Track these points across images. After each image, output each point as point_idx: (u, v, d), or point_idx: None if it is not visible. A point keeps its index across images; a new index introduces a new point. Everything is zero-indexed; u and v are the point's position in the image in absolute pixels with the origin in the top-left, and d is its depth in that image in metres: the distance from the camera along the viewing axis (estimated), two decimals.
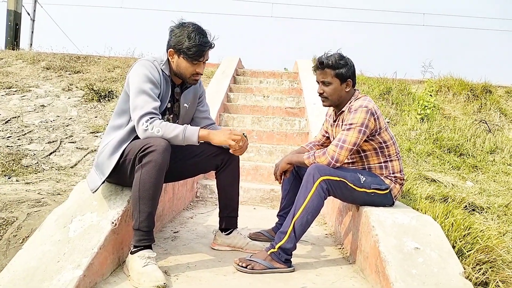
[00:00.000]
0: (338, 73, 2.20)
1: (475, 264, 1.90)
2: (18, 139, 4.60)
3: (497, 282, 1.81)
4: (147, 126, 1.88)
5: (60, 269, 1.63)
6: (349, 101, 2.26)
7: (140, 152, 1.84)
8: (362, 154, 2.26)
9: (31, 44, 12.07)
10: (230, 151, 2.07)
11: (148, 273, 1.75)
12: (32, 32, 12.44)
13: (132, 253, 1.85)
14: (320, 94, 2.27)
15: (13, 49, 9.14)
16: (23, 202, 2.62)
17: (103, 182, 1.97)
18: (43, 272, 1.62)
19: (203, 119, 2.34)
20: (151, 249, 1.87)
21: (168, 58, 2.09)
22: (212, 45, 2.06)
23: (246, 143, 2.05)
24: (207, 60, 2.09)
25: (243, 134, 2.03)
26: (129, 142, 1.97)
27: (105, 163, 1.96)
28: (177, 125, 1.93)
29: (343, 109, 2.26)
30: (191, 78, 2.09)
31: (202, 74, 2.12)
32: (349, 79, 2.22)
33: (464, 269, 1.75)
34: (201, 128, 2.01)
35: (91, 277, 1.68)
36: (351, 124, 2.12)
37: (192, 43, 1.99)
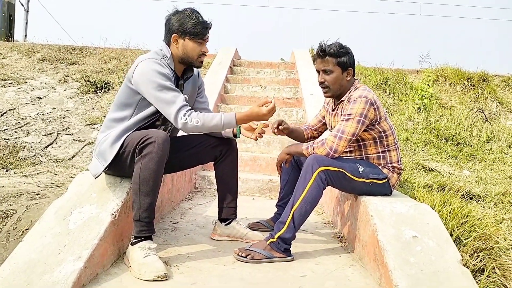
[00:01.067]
0: (340, 62, 2.19)
1: (472, 251, 1.93)
2: (15, 132, 4.58)
3: (494, 268, 1.84)
4: (186, 119, 1.91)
5: (61, 261, 1.63)
6: (349, 91, 2.25)
7: (139, 144, 1.85)
8: (361, 143, 2.26)
9: (25, 36, 11.96)
10: (254, 135, 2.17)
11: (148, 263, 1.76)
12: (27, 23, 12.32)
13: (132, 244, 1.86)
14: (321, 83, 2.25)
15: (8, 41, 9.05)
16: (21, 195, 2.62)
17: (106, 168, 1.97)
18: (44, 264, 1.62)
19: (202, 109, 2.34)
20: (152, 240, 1.88)
21: (170, 51, 2.08)
22: (211, 24, 2.11)
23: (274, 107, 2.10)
24: (208, 41, 2.13)
25: (271, 99, 2.08)
26: (131, 132, 1.97)
27: (107, 151, 1.96)
28: (214, 114, 1.97)
29: (342, 99, 2.26)
30: (198, 59, 2.11)
31: (206, 54, 2.15)
32: (350, 68, 2.21)
33: (462, 256, 1.77)
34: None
35: (92, 268, 1.69)
36: (350, 114, 2.12)
37: (196, 21, 2.03)
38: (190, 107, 1.97)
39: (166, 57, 2.06)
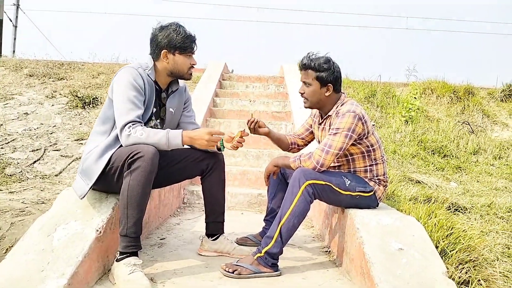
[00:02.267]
0: (319, 76, 2.22)
1: (458, 263, 1.93)
2: (1, 148, 4.53)
3: (480, 280, 1.85)
4: (130, 131, 1.89)
5: (44, 278, 1.61)
6: (336, 105, 2.27)
7: (129, 159, 1.84)
8: (349, 158, 2.28)
9: (13, 51, 11.92)
10: (233, 143, 2.16)
11: (134, 280, 1.74)
12: (15, 38, 12.29)
13: (117, 260, 1.84)
14: (301, 94, 2.30)
15: None
16: (6, 212, 2.58)
17: (91, 188, 1.96)
18: (27, 281, 1.60)
19: (188, 124, 2.35)
20: (137, 256, 1.87)
21: (154, 64, 2.10)
22: (196, 36, 2.15)
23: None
24: (195, 53, 2.17)
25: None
26: (115, 148, 1.97)
27: (91, 168, 1.95)
28: (159, 130, 1.95)
29: (329, 114, 2.28)
30: (188, 72, 2.15)
31: (195, 66, 2.18)
32: (330, 84, 2.23)
33: (447, 268, 1.78)
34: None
35: (76, 285, 1.67)
36: (338, 128, 2.14)
37: (183, 36, 2.07)
38: (141, 123, 1.95)
39: (148, 67, 2.09)
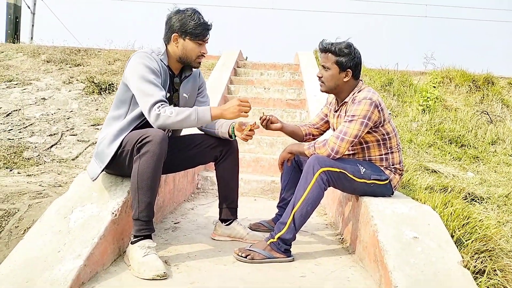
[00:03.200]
0: (338, 61, 2.18)
1: (473, 253, 1.91)
2: (20, 132, 4.61)
3: (495, 270, 1.82)
4: (159, 111, 1.90)
5: (61, 259, 1.64)
6: (352, 92, 2.24)
7: (137, 143, 1.85)
8: (364, 146, 2.25)
9: (31, 38, 12.04)
10: (243, 135, 2.15)
11: (148, 262, 1.76)
12: (33, 25, 12.40)
13: (132, 243, 1.86)
14: (319, 78, 2.27)
15: (14, 43, 9.12)
16: (24, 194, 2.63)
17: (103, 171, 1.99)
18: (44, 262, 1.63)
19: None
20: (151, 239, 1.89)
21: (166, 48, 2.10)
22: (212, 25, 2.12)
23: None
24: (208, 42, 2.13)
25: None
26: (128, 132, 1.98)
27: (104, 152, 1.98)
28: (187, 108, 1.96)
29: (346, 100, 2.25)
30: (196, 60, 2.13)
31: (205, 56, 2.16)
32: (349, 70, 2.20)
33: (463, 258, 1.76)
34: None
35: (92, 266, 1.70)
36: (353, 115, 2.11)
37: (197, 23, 2.04)
38: (167, 103, 1.96)
39: (160, 53, 2.08)
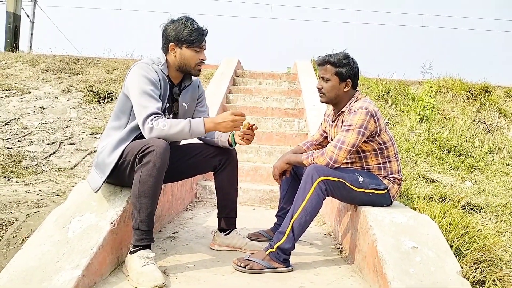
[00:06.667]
0: (338, 72, 2.21)
1: (472, 263, 1.91)
2: (18, 141, 4.61)
3: (495, 280, 1.82)
4: (152, 123, 1.90)
5: (59, 269, 1.63)
6: (349, 102, 2.26)
7: (140, 153, 1.86)
8: (362, 155, 2.27)
9: (30, 46, 12.10)
10: (239, 139, 2.14)
11: (147, 273, 1.75)
12: (32, 34, 12.47)
13: (131, 253, 1.86)
14: (319, 90, 2.29)
15: (13, 51, 9.15)
16: (22, 203, 2.62)
17: (104, 181, 1.98)
18: (42, 272, 1.62)
19: None
20: (150, 249, 1.88)
21: (166, 59, 2.11)
22: (207, 31, 2.12)
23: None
24: (206, 48, 2.14)
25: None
26: (128, 142, 1.99)
27: (105, 162, 1.98)
28: (181, 120, 1.96)
29: (342, 110, 2.27)
30: (195, 68, 2.13)
31: (205, 62, 2.15)
32: (349, 80, 2.23)
33: (462, 268, 1.76)
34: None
35: (90, 277, 1.69)
36: (350, 125, 2.13)
37: (191, 30, 2.05)
38: (161, 115, 1.95)
39: (161, 63, 2.09)
